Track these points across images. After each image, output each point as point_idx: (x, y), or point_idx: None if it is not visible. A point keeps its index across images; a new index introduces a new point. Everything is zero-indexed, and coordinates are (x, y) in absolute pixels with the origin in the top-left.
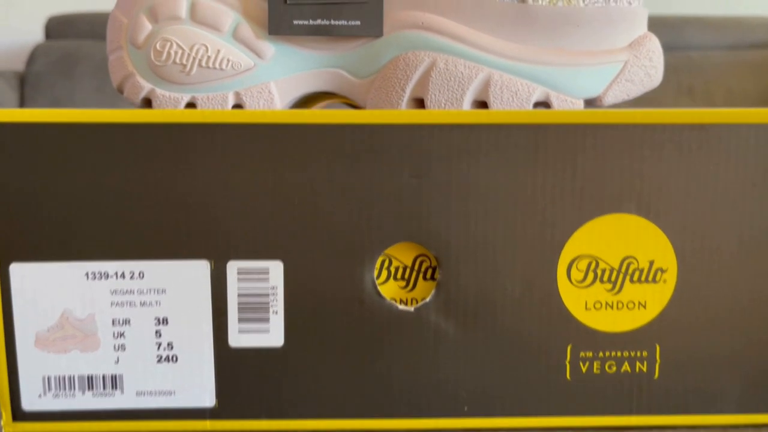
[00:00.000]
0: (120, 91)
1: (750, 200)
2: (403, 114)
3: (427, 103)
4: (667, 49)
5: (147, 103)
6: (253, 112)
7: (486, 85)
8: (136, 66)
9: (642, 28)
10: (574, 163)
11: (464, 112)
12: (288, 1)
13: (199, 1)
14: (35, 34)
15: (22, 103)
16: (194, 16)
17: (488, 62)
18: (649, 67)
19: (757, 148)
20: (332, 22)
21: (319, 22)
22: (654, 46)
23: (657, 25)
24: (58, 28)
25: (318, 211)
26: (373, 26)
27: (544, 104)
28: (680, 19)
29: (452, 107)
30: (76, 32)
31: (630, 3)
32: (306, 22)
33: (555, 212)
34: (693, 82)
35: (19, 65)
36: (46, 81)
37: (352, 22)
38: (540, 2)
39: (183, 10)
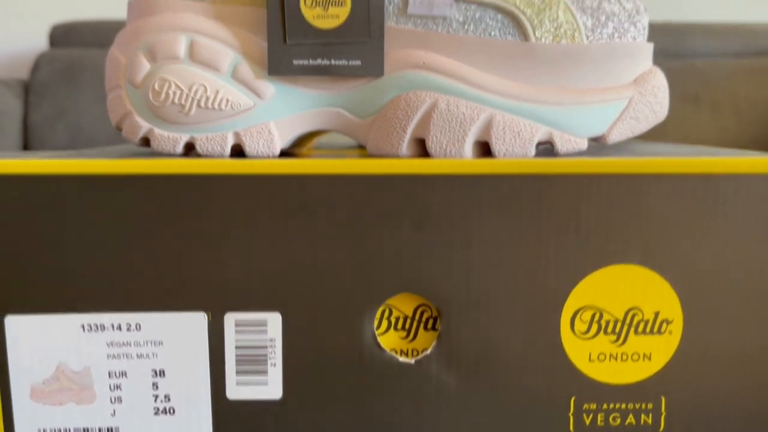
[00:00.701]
0: (119, 128)
1: (756, 251)
2: (403, 164)
3: (429, 144)
4: (672, 56)
5: (145, 142)
6: (252, 163)
7: (488, 125)
8: (135, 105)
9: (647, 62)
10: (578, 213)
11: (466, 162)
12: (288, 41)
13: (198, 41)
14: (39, 42)
15: (26, 112)
16: (193, 55)
17: (490, 102)
18: (654, 104)
19: (762, 198)
20: (332, 62)
21: (319, 62)
22: (659, 82)
23: (661, 31)
24: (62, 36)
25: (317, 262)
26: (373, 66)
27: (547, 143)
28: (685, 25)
29: (454, 148)
30: (81, 40)
31: (634, 38)
32: (306, 62)
33: (558, 263)
34: (698, 90)
35: (23, 73)
36: (50, 89)
37: (353, 62)
38: (543, 40)
39: (182, 50)
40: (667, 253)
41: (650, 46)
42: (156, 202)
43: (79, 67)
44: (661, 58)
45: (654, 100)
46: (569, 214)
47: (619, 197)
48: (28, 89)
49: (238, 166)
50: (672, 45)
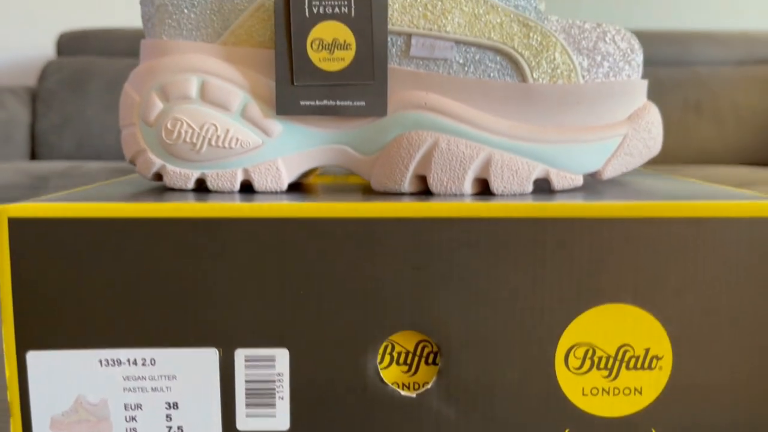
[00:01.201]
0: (132, 163)
1: (742, 291)
2: (405, 208)
3: (430, 181)
4: (674, 64)
5: (158, 177)
6: (260, 207)
7: (487, 164)
8: (148, 143)
9: (641, 98)
10: (572, 255)
11: (464, 205)
12: (295, 83)
13: (209, 82)
14: (47, 50)
15: (34, 120)
16: (204, 96)
17: (489, 142)
18: (648, 139)
19: (750, 241)
20: (338, 102)
21: (325, 102)
22: (653, 117)
23: (663, 39)
24: (69, 44)
25: (322, 301)
26: (377, 107)
27: (544, 181)
28: (687, 33)
29: (454, 185)
30: (88, 48)
31: (629, 76)
32: (312, 103)
33: (553, 302)
34: (700, 97)
35: (31, 80)
36: (57, 98)
37: (358, 103)
38: (540, 81)
39: (193, 90)
40: (657, 292)
41: (644, 83)
42: (170, 244)
43: (86, 75)
44: (663, 66)
45: (648, 135)
46: (563, 255)
47: (611, 240)
48: (35, 97)
49: (247, 210)
50: (674, 53)
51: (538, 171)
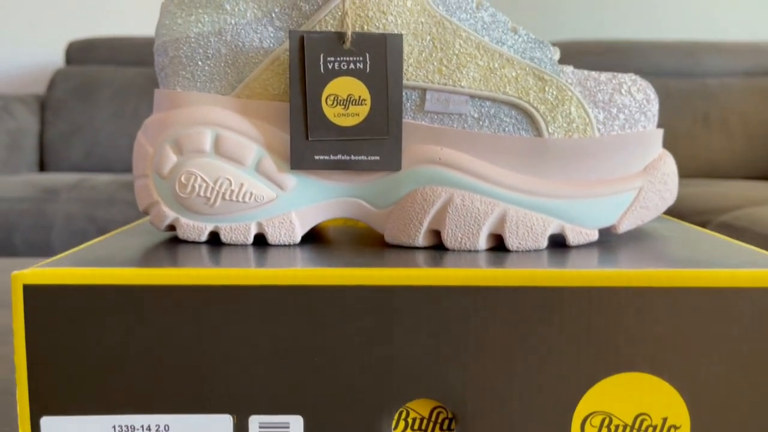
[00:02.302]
0: (146, 213)
1: (761, 360)
2: (421, 275)
3: (444, 236)
4: (682, 75)
5: (171, 228)
6: (274, 274)
7: (502, 220)
8: (161, 195)
9: (657, 148)
10: (588, 323)
11: (481, 273)
12: (310, 138)
13: (224, 135)
14: (56, 58)
15: (43, 129)
16: (218, 149)
17: (504, 198)
18: (664, 191)
19: (764, 310)
20: (353, 157)
21: (339, 157)
22: (669, 168)
23: (672, 50)
24: (78, 53)
25: (337, 368)
26: (392, 162)
27: (559, 235)
28: (695, 44)
29: (469, 241)
30: (96, 57)
31: (644, 127)
32: (327, 157)
33: (570, 369)
34: (708, 109)
35: (40, 88)
36: (66, 107)
37: (372, 158)
38: (556, 136)
39: (207, 144)
40: (674, 361)
41: (660, 133)
42: (184, 310)
43: (95, 84)
44: (671, 77)
45: (663, 187)
46: (580, 324)
47: (627, 309)
48: (44, 105)
49: (263, 277)
50: (682, 64)
51: (553, 227)
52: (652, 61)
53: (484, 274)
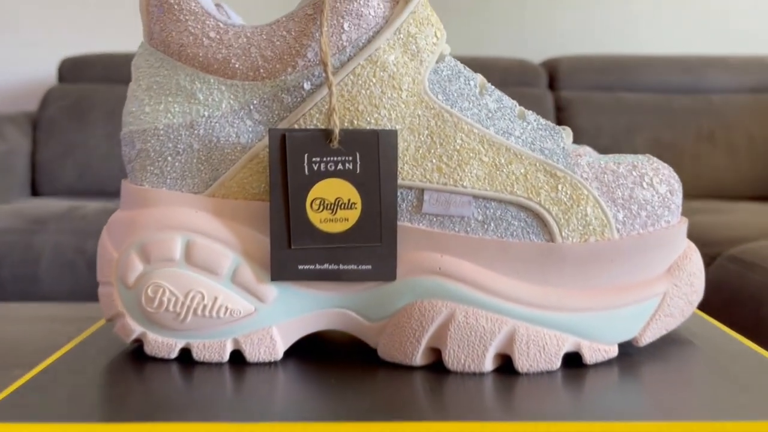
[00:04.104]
0: (110, 322)
1: None
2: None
3: (446, 357)
4: (687, 92)
5: (139, 341)
6: (261, 429)
7: (510, 339)
8: (127, 307)
9: (681, 244)
10: None
11: (489, 426)
12: (293, 246)
13: (195, 242)
14: (49, 75)
15: (35, 149)
16: (189, 258)
17: (512, 313)
18: (690, 294)
19: None
20: (341, 267)
21: (326, 266)
22: (695, 267)
23: (676, 66)
24: (71, 70)
25: None
26: (385, 271)
27: (574, 353)
28: (700, 59)
29: (473, 363)
30: (90, 75)
31: (668, 222)
32: (312, 267)
33: None
34: (713, 127)
35: (31, 105)
36: (58, 127)
37: (363, 267)
38: (570, 240)
39: (177, 252)
40: None
41: (684, 226)
42: None
43: (88, 102)
44: (675, 93)
45: (690, 290)
46: None
47: None
48: (36, 125)
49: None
50: (687, 80)
51: (568, 345)
52: (656, 77)
53: (492, 430)
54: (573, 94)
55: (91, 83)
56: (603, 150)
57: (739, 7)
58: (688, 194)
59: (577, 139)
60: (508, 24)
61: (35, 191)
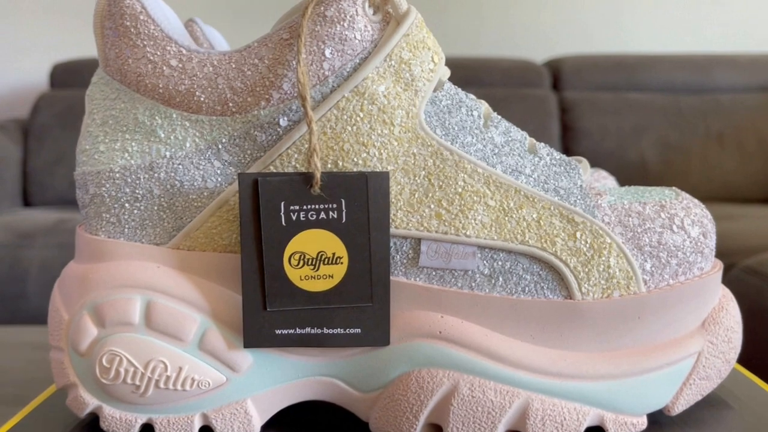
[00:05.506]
0: (63, 391)
1: None
2: None
3: None
4: (695, 91)
5: (95, 416)
6: None
7: (523, 415)
8: (80, 376)
9: (716, 294)
10: None
11: None
12: (268, 308)
13: (157, 303)
14: (40, 80)
15: (26, 157)
16: (150, 321)
17: (525, 384)
18: (728, 351)
19: None
20: (325, 330)
21: (308, 331)
22: (733, 320)
23: (683, 64)
24: (63, 76)
25: None
26: (378, 336)
27: (597, 429)
28: (708, 58)
29: None
30: (82, 80)
31: (702, 269)
32: (291, 331)
33: None
34: (722, 127)
35: (22, 112)
36: (50, 134)
37: (352, 331)
38: (591, 296)
39: (135, 314)
40: None
41: (719, 272)
42: None
43: (80, 109)
44: (683, 93)
45: (727, 347)
46: None
47: None
48: (27, 132)
49: None
50: (694, 79)
51: (590, 418)
52: (662, 76)
53: None
54: (577, 95)
55: (84, 89)
56: (608, 152)
57: (748, 4)
58: (698, 198)
59: (582, 142)
60: (510, 23)
61: (27, 200)
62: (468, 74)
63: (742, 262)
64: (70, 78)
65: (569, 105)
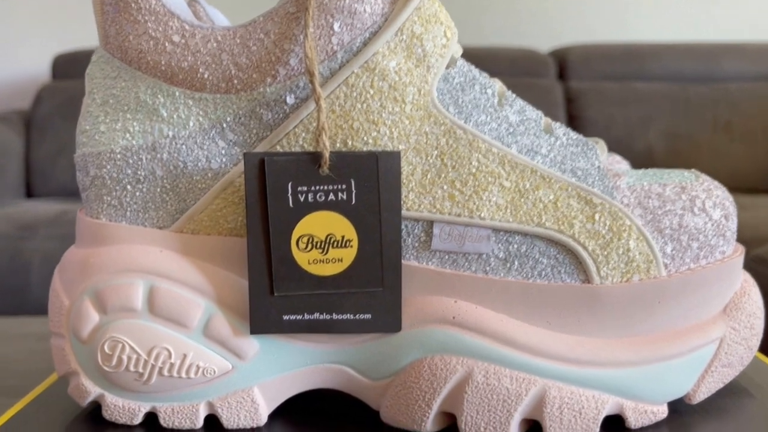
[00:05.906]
0: (64, 379)
1: None
2: None
3: (461, 424)
4: (703, 80)
5: (97, 405)
6: None
7: (540, 402)
8: (81, 364)
9: (738, 279)
10: None
11: None
12: (276, 293)
13: (159, 288)
14: (42, 71)
15: (28, 148)
16: (153, 307)
17: (542, 371)
18: (750, 338)
19: None
20: (334, 316)
21: (316, 316)
22: (754, 305)
23: (691, 53)
24: (64, 66)
25: None
26: (388, 321)
27: (616, 417)
28: (716, 46)
29: (495, 431)
30: (84, 71)
31: (724, 253)
32: (300, 317)
33: None
34: (730, 117)
35: (24, 103)
36: (52, 125)
37: (362, 316)
38: (610, 280)
39: (138, 300)
40: None
41: (741, 256)
42: None
43: (82, 99)
44: (691, 82)
45: (750, 333)
46: None
47: None
48: (29, 124)
49: None
50: (703, 68)
51: (609, 407)
52: (669, 65)
53: None
54: (583, 85)
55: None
56: (615, 142)
57: None
58: None
59: (589, 132)
60: (514, 11)
61: (30, 192)
62: (472, 63)
63: (752, 252)
64: (71, 69)
65: (575, 95)
